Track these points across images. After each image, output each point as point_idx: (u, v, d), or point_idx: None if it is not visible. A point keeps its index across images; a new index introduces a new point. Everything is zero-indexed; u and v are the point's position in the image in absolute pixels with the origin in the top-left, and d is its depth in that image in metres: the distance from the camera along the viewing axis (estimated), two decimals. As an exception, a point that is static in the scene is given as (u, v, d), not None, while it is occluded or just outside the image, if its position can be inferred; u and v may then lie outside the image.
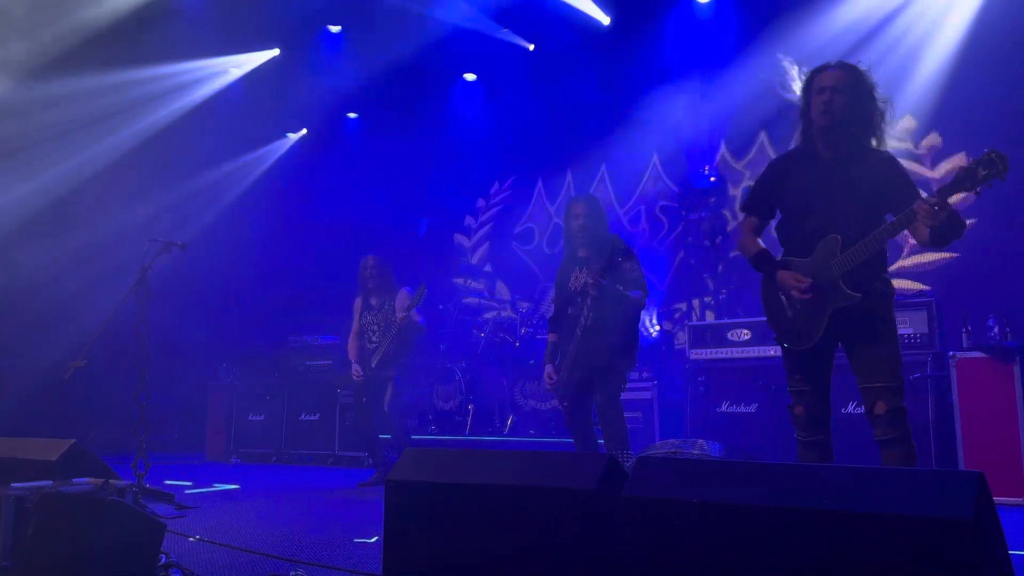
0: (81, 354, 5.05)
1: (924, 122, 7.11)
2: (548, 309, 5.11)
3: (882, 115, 3.20)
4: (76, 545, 2.86)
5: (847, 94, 3.13)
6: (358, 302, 6.30)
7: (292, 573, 2.98)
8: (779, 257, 3.35)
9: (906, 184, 3.10)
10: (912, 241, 6.88)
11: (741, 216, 3.90)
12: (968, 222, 6.72)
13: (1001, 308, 5.13)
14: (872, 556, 1.73)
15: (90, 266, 8.40)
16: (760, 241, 3.43)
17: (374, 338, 6.12)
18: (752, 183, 7.93)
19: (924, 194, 2.99)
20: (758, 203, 3.48)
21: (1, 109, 7.85)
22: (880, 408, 3.01)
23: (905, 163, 7.16)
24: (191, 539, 3.83)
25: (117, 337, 5.40)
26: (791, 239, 3.33)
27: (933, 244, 3.08)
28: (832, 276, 3.08)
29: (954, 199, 2.93)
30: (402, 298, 6.04)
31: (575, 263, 4.56)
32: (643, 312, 4.67)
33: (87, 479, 3.48)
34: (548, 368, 4.57)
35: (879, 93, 3.21)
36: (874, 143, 3.21)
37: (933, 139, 7.07)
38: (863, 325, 3.10)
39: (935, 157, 7.06)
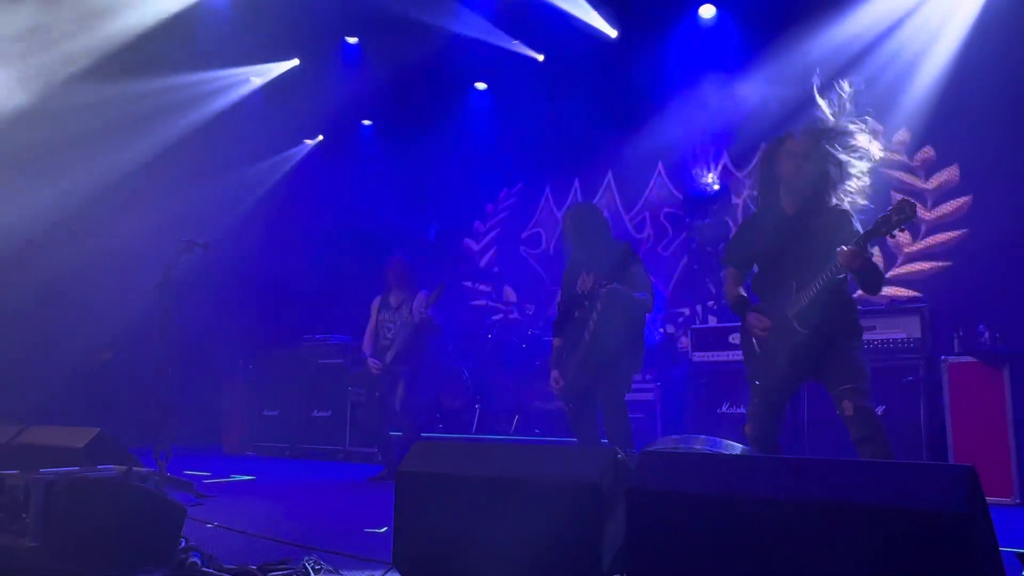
0: (108, 348, 5.08)
1: (918, 135, 7.11)
2: (554, 312, 5.12)
3: (839, 176, 3.39)
4: (102, 528, 2.88)
5: (813, 160, 3.37)
6: (376, 301, 6.35)
7: (305, 559, 2.98)
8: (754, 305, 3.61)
9: (853, 236, 3.24)
10: (907, 250, 6.89)
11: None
12: (959, 232, 6.80)
13: (991, 315, 5.13)
14: (869, 546, 1.74)
15: (117, 265, 8.44)
16: (740, 289, 3.69)
17: (388, 335, 6.15)
18: (754, 193, 8.02)
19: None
20: (734, 256, 3.74)
21: (34, 116, 7.91)
22: (848, 408, 3.15)
23: (899, 175, 7.25)
24: (209, 525, 3.85)
25: (141, 333, 5.42)
26: (761, 288, 3.58)
27: (865, 291, 3.35)
28: (787, 316, 3.34)
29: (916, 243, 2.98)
30: (420, 299, 6.07)
31: (580, 267, 4.54)
32: (648, 315, 4.63)
33: (112, 466, 3.51)
34: (554, 373, 4.51)
35: (836, 154, 3.37)
36: (832, 200, 3.41)
37: (926, 152, 7.07)
38: (826, 347, 3.28)
39: (928, 169, 7.06)
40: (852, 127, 3.37)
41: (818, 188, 3.39)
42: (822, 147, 3.37)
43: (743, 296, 3.65)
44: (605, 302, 4.20)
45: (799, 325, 3.29)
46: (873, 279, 3.26)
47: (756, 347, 3.50)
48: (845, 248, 3.08)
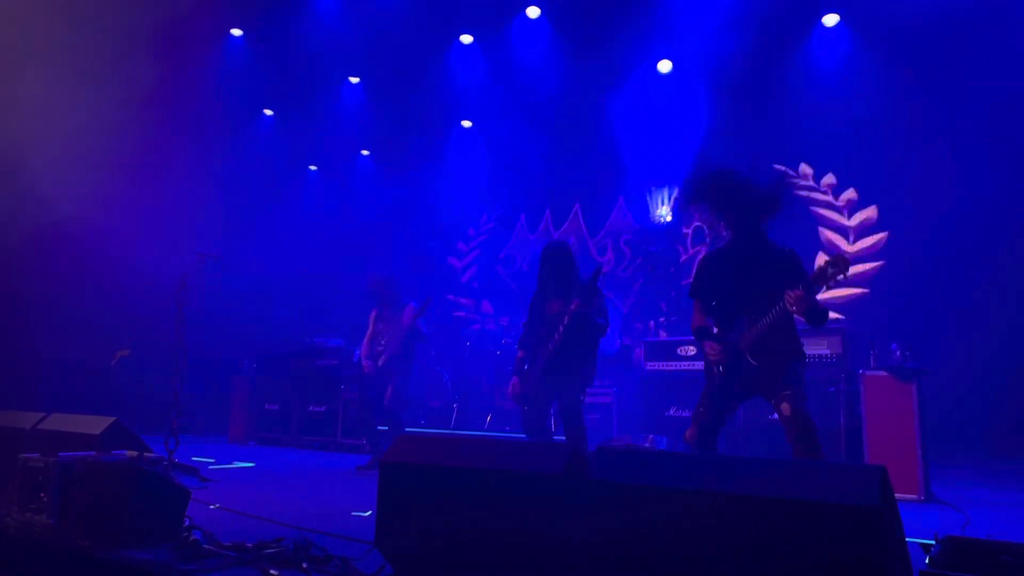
0: (126, 347, 4.98)
1: (843, 180, 7.25)
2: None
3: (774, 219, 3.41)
4: (113, 507, 2.81)
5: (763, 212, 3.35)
6: (374, 312, 6.29)
7: (296, 538, 2.93)
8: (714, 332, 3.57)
9: (798, 276, 3.23)
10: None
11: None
12: (876, 264, 6.90)
13: (902, 335, 5.21)
14: (791, 535, 1.74)
15: (136, 273, 8.30)
16: (706, 319, 3.63)
17: (383, 341, 6.10)
18: (701, 225, 8.11)
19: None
20: (696, 291, 3.68)
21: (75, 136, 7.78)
22: (786, 409, 3.11)
23: (826, 213, 7.35)
24: (211, 507, 3.78)
25: (155, 334, 5.32)
26: (720, 321, 3.54)
27: (811, 325, 3.26)
28: (740, 349, 3.32)
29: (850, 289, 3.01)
30: (409, 311, 6.03)
31: (549, 294, 4.50)
32: (608, 328, 4.61)
33: (125, 452, 3.43)
34: (514, 380, 4.53)
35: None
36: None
37: (850, 194, 7.21)
38: (773, 370, 3.26)
39: (851, 208, 7.19)
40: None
41: (762, 232, 3.40)
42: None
43: (704, 326, 3.60)
44: (571, 319, 4.20)
45: (751, 358, 3.28)
46: (818, 317, 3.22)
47: (714, 370, 3.45)
48: (792, 293, 3.06)
